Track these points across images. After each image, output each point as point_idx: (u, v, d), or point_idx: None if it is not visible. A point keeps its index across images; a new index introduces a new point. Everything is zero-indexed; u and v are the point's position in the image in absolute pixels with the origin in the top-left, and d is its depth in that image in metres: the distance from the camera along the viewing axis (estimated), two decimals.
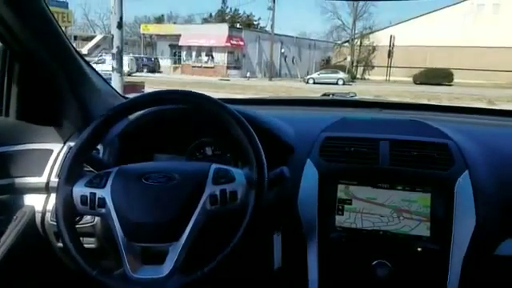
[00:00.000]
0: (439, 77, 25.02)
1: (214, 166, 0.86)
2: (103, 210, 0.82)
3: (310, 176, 1.03)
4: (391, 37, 27.97)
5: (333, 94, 1.65)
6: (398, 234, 0.94)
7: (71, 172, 0.84)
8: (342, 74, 26.13)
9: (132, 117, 1.12)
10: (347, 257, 0.96)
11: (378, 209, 0.98)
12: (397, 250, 0.94)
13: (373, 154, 1.03)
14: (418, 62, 26.40)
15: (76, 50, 1.10)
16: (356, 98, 1.72)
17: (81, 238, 0.84)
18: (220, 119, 0.88)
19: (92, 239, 1.06)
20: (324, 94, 1.70)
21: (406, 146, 1.04)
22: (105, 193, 0.82)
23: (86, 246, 1.05)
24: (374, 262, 0.93)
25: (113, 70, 8.12)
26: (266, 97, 1.74)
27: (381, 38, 29.15)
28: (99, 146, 1.10)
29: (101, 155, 1.10)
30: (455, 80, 24.65)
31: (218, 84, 19.88)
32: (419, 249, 0.92)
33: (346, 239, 0.96)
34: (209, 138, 1.18)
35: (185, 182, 0.83)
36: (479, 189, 0.95)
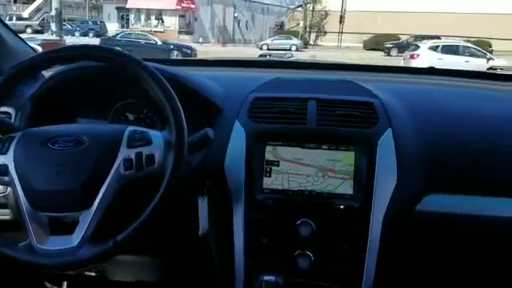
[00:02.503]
0: (388, 42, 25.62)
1: (129, 128, 0.82)
2: (6, 178, 0.76)
3: (237, 137, 1.00)
4: (342, 2, 28.08)
5: (269, 55, 1.61)
6: (322, 193, 0.95)
7: None
8: (295, 40, 26.12)
9: (47, 77, 1.04)
10: (273, 218, 0.96)
11: (304, 169, 0.98)
12: (321, 208, 0.95)
13: (301, 114, 1.02)
14: (368, 27, 26.79)
15: None
16: (292, 58, 1.70)
17: None
18: (138, 78, 0.83)
19: (6, 210, 0.99)
20: (261, 55, 1.67)
21: (333, 106, 1.04)
22: (7, 159, 0.76)
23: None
24: (298, 222, 0.94)
25: (52, 33, 7.64)
26: (201, 58, 1.69)
27: (333, 3, 29.21)
28: (10, 110, 1.02)
29: (12, 120, 1.01)
30: None
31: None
32: (342, 207, 0.94)
33: (272, 200, 0.96)
34: (134, 99, 1.12)
35: (95, 146, 0.78)
36: (402, 146, 0.97)
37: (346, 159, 0.97)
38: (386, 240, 0.93)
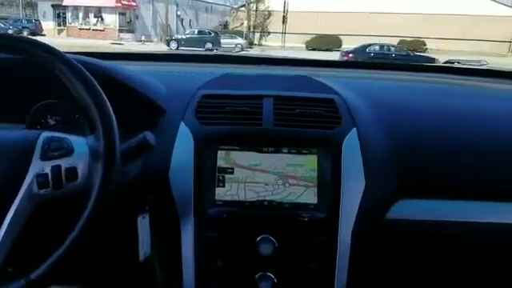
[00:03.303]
0: (328, 43, 26.28)
1: (44, 135, 0.66)
2: None
3: (183, 142, 0.86)
4: (285, 2, 28.43)
5: (216, 49, 1.47)
6: (283, 204, 0.84)
7: None
8: (240, 40, 26.02)
9: None
10: (229, 236, 0.83)
11: (262, 176, 0.85)
12: (283, 221, 0.83)
13: (256, 114, 0.90)
14: (309, 27, 27.29)
15: None
16: (241, 53, 1.58)
17: None
18: (58, 72, 0.66)
19: None
20: (207, 49, 1.52)
21: (291, 104, 0.92)
22: None
23: None
24: (258, 238, 0.81)
25: None
26: (140, 51, 1.51)
27: (275, 3, 29.47)
28: None
29: None
30: (343, 46, 26.12)
31: (110, 49, 18.47)
32: (306, 219, 0.82)
33: (227, 214, 0.83)
34: (58, 98, 0.93)
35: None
36: (368, 147, 0.87)
37: (308, 164, 0.86)
38: (356, 254, 0.82)
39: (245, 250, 0.82)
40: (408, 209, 0.87)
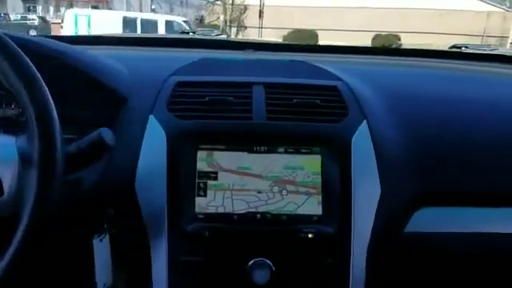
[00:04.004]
0: (305, 38, 26.21)
1: None
2: None
3: (153, 141, 0.69)
4: None
5: (194, 32, 1.27)
6: (280, 216, 0.67)
7: None
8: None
9: None
10: (213, 260, 0.66)
11: (254, 182, 0.69)
12: (280, 239, 0.67)
13: (244, 105, 0.73)
14: (286, 22, 27.12)
15: None
16: (224, 37, 1.39)
17: None
18: None
19: None
20: (182, 32, 1.32)
21: (286, 92, 0.76)
22: None
23: None
24: (250, 263, 0.64)
25: None
26: (114, 35, 1.31)
27: None
28: None
29: None
30: (320, 41, 26.10)
31: None
32: (309, 235, 0.66)
33: (210, 232, 0.65)
34: None
35: None
36: (382, 143, 0.72)
37: (310, 166, 0.70)
38: (373, 277, 0.66)
39: (234, 278, 0.65)
40: (431, 219, 0.72)
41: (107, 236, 0.64)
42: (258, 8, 28.34)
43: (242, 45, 1.14)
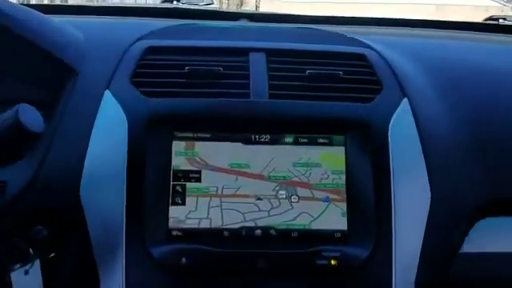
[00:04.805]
0: None
1: None
2: None
3: (108, 127, 0.50)
4: None
5: (178, 0, 1.07)
6: (289, 233, 0.48)
7: None
8: None
9: None
10: None
11: (252, 185, 0.50)
12: (289, 267, 0.47)
13: (239, 77, 0.55)
14: None
15: None
16: (213, 6, 1.18)
17: None
18: None
19: None
20: (165, 1, 1.12)
21: (295, 62, 0.57)
22: None
23: None
24: None
25: None
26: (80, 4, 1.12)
27: None
28: None
29: None
30: None
31: None
32: (332, 261, 0.47)
33: (188, 257, 0.46)
34: None
35: None
36: (431, 131, 0.53)
37: (329, 162, 0.51)
38: None
39: None
40: (496, 233, 0.53)
41: (37, 265, 0.44)
42: (255, 2, 28.34)
43: (235, 15, 0.93)
